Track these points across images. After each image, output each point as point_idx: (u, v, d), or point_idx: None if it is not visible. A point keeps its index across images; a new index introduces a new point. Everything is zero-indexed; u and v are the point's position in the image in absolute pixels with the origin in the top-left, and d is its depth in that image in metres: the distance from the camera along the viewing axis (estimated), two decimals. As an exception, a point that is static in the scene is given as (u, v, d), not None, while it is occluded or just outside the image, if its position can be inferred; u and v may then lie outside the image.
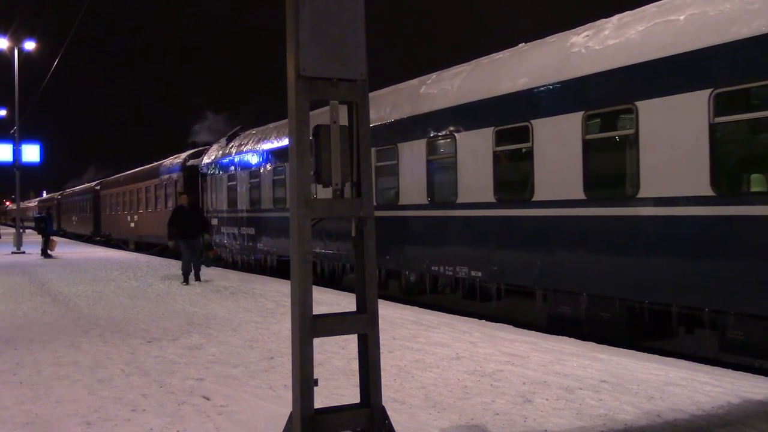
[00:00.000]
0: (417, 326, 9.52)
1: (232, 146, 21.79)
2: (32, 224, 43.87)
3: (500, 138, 10.48)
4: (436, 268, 11.76)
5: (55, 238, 28.46)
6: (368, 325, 4.31)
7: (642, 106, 8.23)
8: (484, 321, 10.01)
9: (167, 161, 29.22)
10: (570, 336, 8.70)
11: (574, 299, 9.16)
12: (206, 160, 24.12)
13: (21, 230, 32.78)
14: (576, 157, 9.07)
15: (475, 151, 10.89)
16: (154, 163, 32.12)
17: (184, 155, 27.19)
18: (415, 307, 11.49)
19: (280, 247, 17.83)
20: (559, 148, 9.36)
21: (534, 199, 9.75)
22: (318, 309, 4.34)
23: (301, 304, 4.10)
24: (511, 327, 9.45)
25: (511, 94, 10.28)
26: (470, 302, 11.43)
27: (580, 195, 9.04)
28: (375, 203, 13.10)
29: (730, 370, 6.99)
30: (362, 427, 4.29)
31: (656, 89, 8.10)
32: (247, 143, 20.56)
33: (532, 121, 9.77)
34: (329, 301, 11.89)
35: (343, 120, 4.32)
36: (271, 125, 20.00)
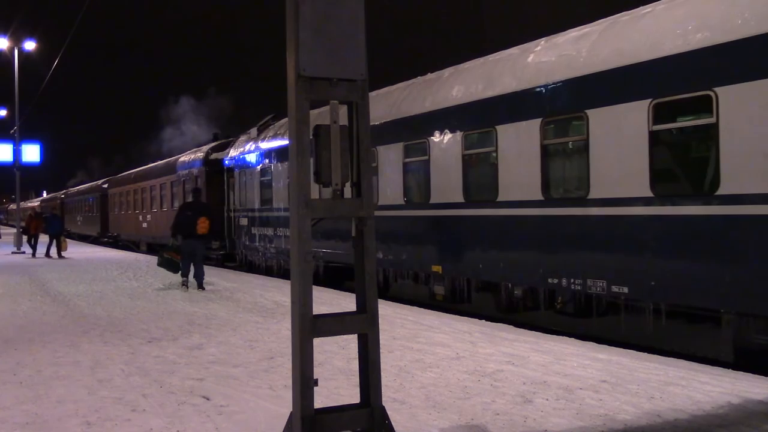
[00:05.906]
0: (417, 326, 9.52)
1: (265, 136, 19.41)
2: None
3: (661, 114, 8.05)
4: (555, 280, 9.38)
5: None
6: (368, 325, 4.31)
7: None
8: (484, 321, 10.00)
9: (185, 156, 27.22)
10: (570, 336, 8.70)
11: None
12: (233, 153, 21.57)
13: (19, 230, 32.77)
14: None
15: (618, 132, 8.53)
16: (170, 158, 30.28)
17: (206, 148, 24.65)
18: (415, 307, 11.49)
19: (328, 251, 14.91)
20: (761, 123, 7.05)
21: (719, 192, 7.40)
22: (318, 309, 4.34)
23: (301, 304, 4.11)
24: (511, 327, 9.44)
25: (681, 56, 7.77)
26: (608, 323, 9.21)
27: None
28: (462, 200, 11.45)
29: (730, 370, 6.98)
30: (362, 427, 4.30)
31: None
32: (284, 132, 17.97)
33: (716, 89, 7.37)
34: (329, 301, 11.90)
35: (343, 120, 4.33)
36: (315, 111, 18.25)
